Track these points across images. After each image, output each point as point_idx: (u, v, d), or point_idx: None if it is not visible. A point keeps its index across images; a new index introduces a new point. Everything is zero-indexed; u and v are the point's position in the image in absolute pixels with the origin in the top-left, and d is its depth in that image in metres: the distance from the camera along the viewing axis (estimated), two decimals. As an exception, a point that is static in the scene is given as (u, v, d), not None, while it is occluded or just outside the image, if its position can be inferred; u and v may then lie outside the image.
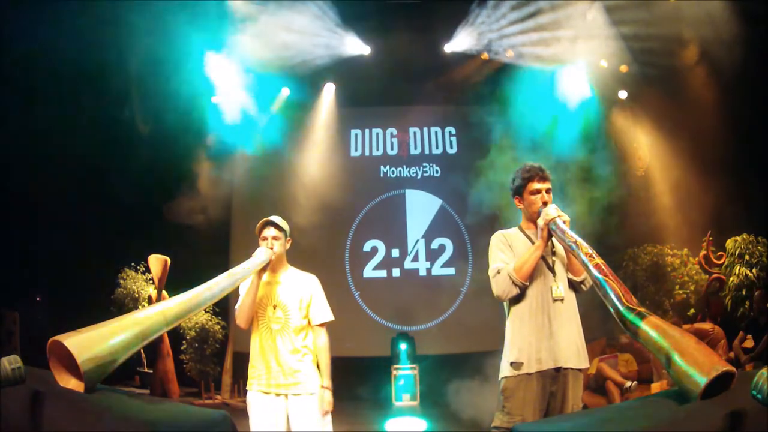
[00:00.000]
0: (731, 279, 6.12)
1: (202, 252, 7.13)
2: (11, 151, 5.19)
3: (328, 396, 2.95)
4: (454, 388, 5.93)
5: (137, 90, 6.74)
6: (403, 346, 6.60)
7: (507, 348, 2.62)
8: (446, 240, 8.01)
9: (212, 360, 7.24)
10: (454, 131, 8.40)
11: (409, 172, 8.28)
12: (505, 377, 2.56)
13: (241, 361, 6.86)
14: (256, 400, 2.91)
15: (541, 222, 2.51)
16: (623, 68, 7.09)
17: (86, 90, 5.80)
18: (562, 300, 2.57)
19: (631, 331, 1.80)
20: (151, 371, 6.86)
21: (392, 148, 8.39)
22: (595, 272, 2.07)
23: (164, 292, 6.45)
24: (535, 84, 7.58)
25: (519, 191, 2.71)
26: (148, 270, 6.88)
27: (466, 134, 8.16)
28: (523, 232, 2.72)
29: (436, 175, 8.26)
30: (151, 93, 6.55)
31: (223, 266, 2.71)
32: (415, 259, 8.00)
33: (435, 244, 8.02)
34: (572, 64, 7.29)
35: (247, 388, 2.96)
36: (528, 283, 2.55)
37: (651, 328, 1.71)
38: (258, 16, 6.45)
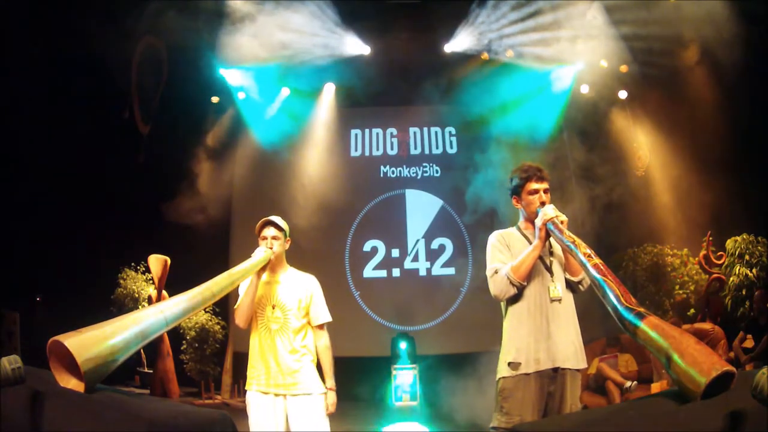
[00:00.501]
0: (731, 279, 6.12)
1: (202, 252, 7.12)
2: (11, 151, 5.19)
3: (332, 397, 2.96)
4: (453, 388, 5.92)
5: (137, 90, 6.75)
6: (403, 346, 6.61)
7: (504, 348, 2.62)
8: (446, 240, 8.01)
9: (212, 360, 7.24)
10: (454, 131, 8.40)
11: (409, 172, 8.28)
12: (503, 377, 2.56)
13: (241, 361, 6.86)
14: (255, 400, 2.91)
15: (539, 222, 2.51)
16: (623, 68, 7.09)
17: (86, 89, 5.79)
18: (559, 300, 2.57)
19: (630, 331, 1.80)
20: (151, 371, 6.86)
21: (392, 148, 8.39)
22: (593, 272, 2.07)
23: (164, 292, 6.44)
24: (534, 84, 7.60)
25: (517, 191, 2.71)
26: (148, 270, 6.87)
27: (466, 134, 8.16)
28: (521, 232, 2.72)
29: (436, 175, 8.26)
30: (151, 93, 6.55)
31: (223, 266, 2.71)
32: (415, 259, 8.00)
33: (435, 244, 8.02)
34: (572, 64, 7.30)
35: (246, 388, 2.96)
36: (526, 283, 2.55)
37: (650, 328, 1.71)
38: (257, 16, 6.45)
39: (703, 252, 6.31)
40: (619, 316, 1.85)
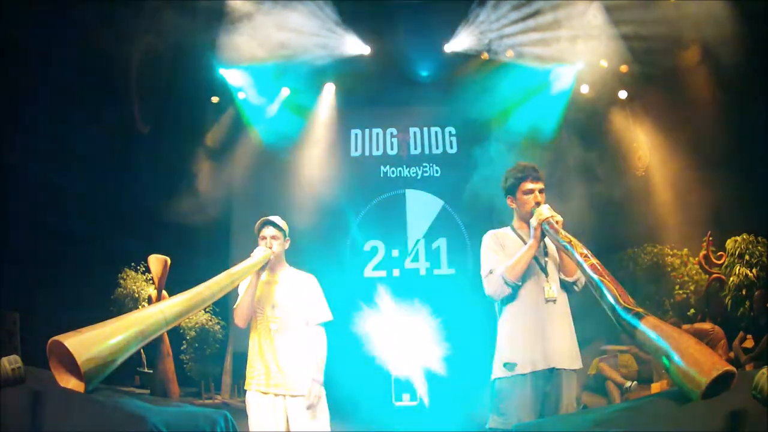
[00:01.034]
0: (731, 279, 6.11)
1: (202, 252, 7.13)
2: (11, 151, 5.19)
3: (317, 389, 2.90)
4: (453, 388, 5.92)
5: (137, 89, 6.74)
6: (403, 345, 6.61)
7: (499, 348, 2.62)
8: (446, 240, 8.01)
9: (212, 360, 7.23)
10: (454, 131, 8.39)
11: (409, 172, 8.27)
12: (499, 378, 2.56)
13: (241, 361, 6.81)
14: (255, 400, 2.91)
15: (534, 222, 2.51)
16: (623, 68, 7.08)
17: (86, 89, 5.79)
18: (554, 301, 2.57)
19: (629, 332, 1.79)
20: (151, 371, 6.85)
21: (392, 148, 8.38)
22: (590, 272, 2.06)
23: (164, 292, 6.44)
24: (534, 83, 7.59)
25: (512, 191, 2.70)
26: (148, 270, 6.86)
27: (466, 134, 8.15)
28: (516, 232, 2.72)
29: (436, 175, 8.25)
30: (151, 93, 6.55)
31: (223, 266, 2.72)
32: (415, 259, 7.99)
33: (435, 244, 8.02)
34: (572, 64, 7.29)
35: (245, 388, 2.96)
36: (520, 284, 2.55)
37: (649, 328, 1.70)
38: (257, 16, 6.45)
39: (703, 252, 6.31)
40: (616, 316, 1.84)
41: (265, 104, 7.88)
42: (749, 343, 5.38)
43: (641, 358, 5.92)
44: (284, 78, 7.62)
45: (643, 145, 7.52)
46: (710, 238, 6.24)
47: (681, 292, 6.69)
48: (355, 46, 7.45)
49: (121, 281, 7.05)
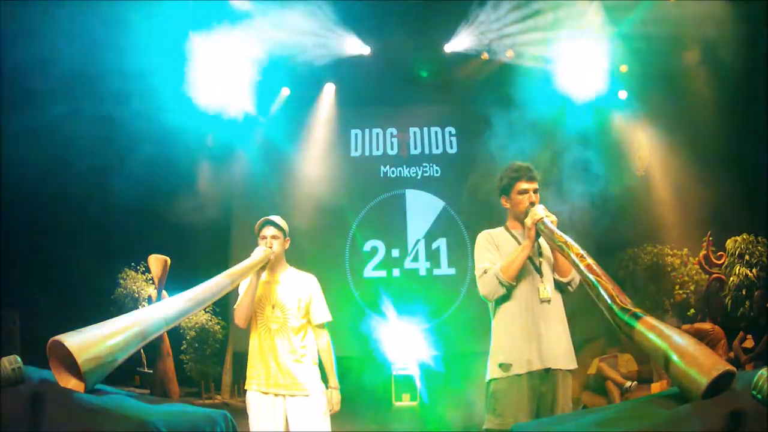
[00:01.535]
0: (731, 279, 6.12)
1: (202, 252, 7.12)
2: (11, 151, 5.19)
3: (337, 396, 2.98)
4: (453, 388, 5.92)
5: (137, 89, 6.74)
6: (403, 345, 6.61)
7: (494, 349, 2.61)
8: (446, 240, 8.01)
9: (212, 360, 7.23)
10: (454, 131, 8.39)
11: (409, 172, 8.27)
12: (494, 379, 2.56)
13: (241, 361, 6.85)
14: (255, 400, 2.91)
15: (528, 222, 2.50)
16: (623, 68, 7.09)
17: (86, 89, 5.79)
18: (549, 301, 2.56)
19: (626, 332, 1.77)
20: (151, 371, 6.86)
21: (392, 148, 8.38)
22: (586, 273, 2.03)
23: (164, 292, 6.45)
24: (534, 83, 7.58)
25: (506, 191, 2.69)
26: (148, 270, 6.87)
27: (466, 134, 8.16)
28: (510, 232, 2.70)
29: (436, 175, 8.26)
30: (151, 92, 6.55)
31: (223, 266, 2.71)
32: (415, 259, 8.00)
33: (435, 244, 8.02)
34: (572, 64, 7.29)
35: (246, 388, 2.96)
36: (515, 284, 2.54)
37: (647, 329, 1.68)
38: (257, 16, 6.44)
39: (703, 252, 6.32)
40: (614, 317, 1.82)
41: (266, 104, 7.87)
42: (749, 343, 5.38)
43: (641, 358, 5.92)
44: (284, 78, 7.62)
45: (643, 145, 7.53)
46: (710, 238, 6.25)
47: (681, 292, 6.69)
48: (355, 46, 7.45)
49: (121, 281, 7.06)
